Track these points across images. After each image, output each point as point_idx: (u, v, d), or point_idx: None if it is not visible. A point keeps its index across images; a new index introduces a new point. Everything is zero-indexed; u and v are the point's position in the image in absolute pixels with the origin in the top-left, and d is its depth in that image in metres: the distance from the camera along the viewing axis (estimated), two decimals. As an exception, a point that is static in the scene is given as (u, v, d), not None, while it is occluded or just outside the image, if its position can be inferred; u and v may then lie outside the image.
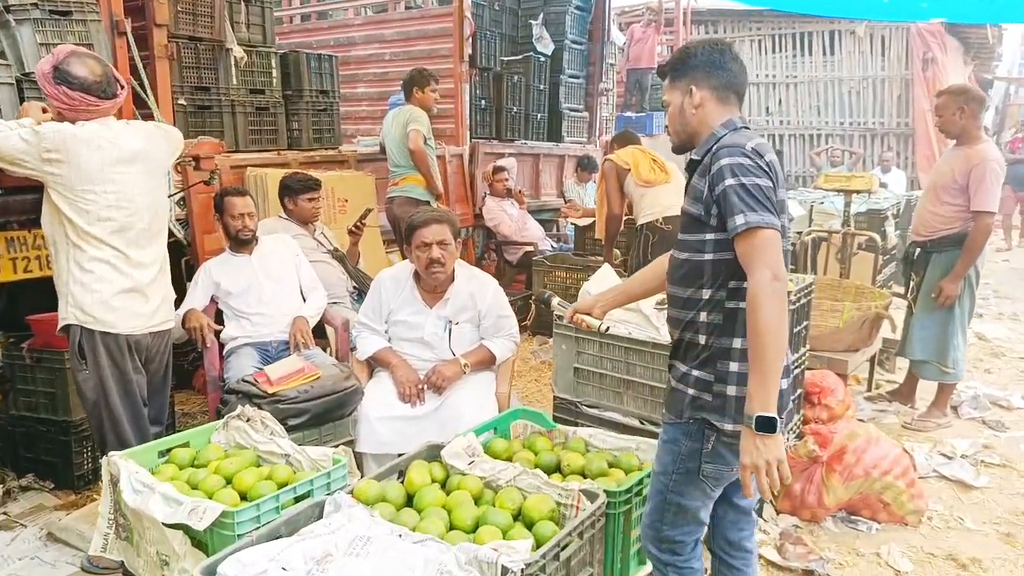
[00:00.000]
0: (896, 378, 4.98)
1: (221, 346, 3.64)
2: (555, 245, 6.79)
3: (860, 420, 3.73)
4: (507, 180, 6.64)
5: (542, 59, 8.40)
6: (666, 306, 2.01)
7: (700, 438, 1.85)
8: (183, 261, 4.50)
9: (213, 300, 3.75)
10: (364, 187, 5.35)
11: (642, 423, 2.74)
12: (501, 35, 7.66)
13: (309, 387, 2.74)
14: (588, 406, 2.86)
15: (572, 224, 7.54)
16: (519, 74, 7.95)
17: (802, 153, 12.97)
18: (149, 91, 3.76)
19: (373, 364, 3.24)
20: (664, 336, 2.67)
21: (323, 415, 2.75)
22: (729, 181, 1.72)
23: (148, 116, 3.67)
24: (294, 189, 4.30)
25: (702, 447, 1.85)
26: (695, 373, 1.85)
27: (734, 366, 1.78)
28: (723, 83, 1.87)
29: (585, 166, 8.02)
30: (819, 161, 11.32)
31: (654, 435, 2.67)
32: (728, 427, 1.79)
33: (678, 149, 2.02)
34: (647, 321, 2.70)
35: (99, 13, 3.52)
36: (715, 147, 1.81)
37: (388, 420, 2.92)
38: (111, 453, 2.37)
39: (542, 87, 8.38)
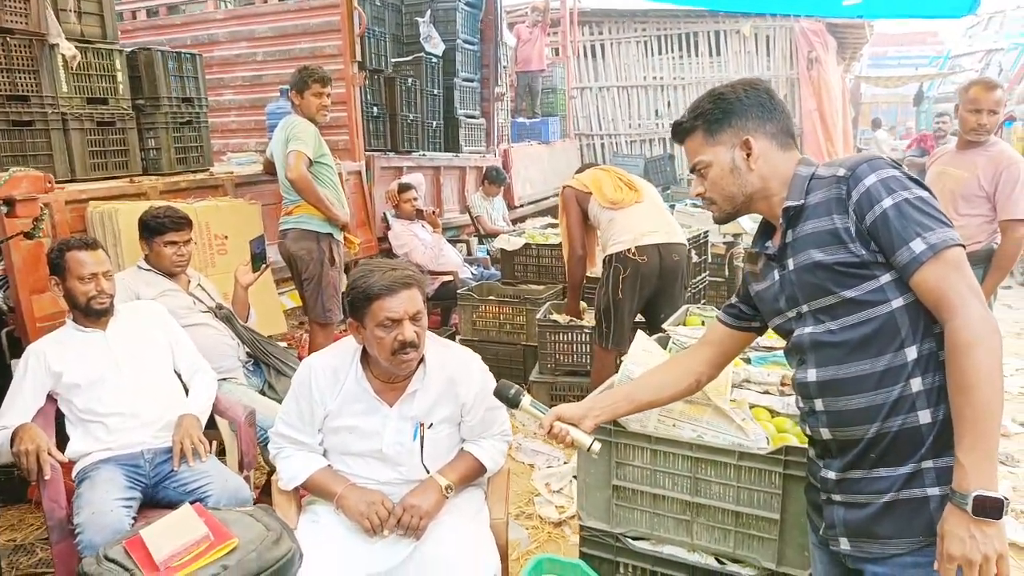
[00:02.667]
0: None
1: (66, 467, 2.51)
2: (475, 272, 5.90)
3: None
4: (416, 199, 5.69)
5: (433, 61, 7.52)
6: (802, 393, 1.54)
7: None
8: (3, 333, 3.30)
9: (51, 398, 2.62)
10: (248, 218, 4.26)
11: (720, 562, 1.92)
12: (385, 33, 6.72)
13: (221, 568, 1.71)
14: (635, 538, 2.01)
15: (489, 245, 6.72)
16: (412, 77, 7.02)
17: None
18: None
19: (305, 494, 2.24)
20: (753, 441, 1.86)
21: (246, 610, 1.73)
22: (888, 201, 1.38)
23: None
24: (150, 229, 3.19)
25: None
26: (932, 464, 1.40)
27: None
28: (781, 128, 1.57)
29: (493, 178, 7.21)
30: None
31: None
32: None
33: (726, 219, 1.66)
34: (724, 418, 1.88)
35: None
36: (828, 176, 1.47)
37: (339, 588, 1.94)
38: None
39: (436, 92, 7.49)
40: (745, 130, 1.56)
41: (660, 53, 12.83)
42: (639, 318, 3.99)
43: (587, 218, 3.91)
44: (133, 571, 1.71)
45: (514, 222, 8.10)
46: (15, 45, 3.48)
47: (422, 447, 2.13)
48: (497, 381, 2.00)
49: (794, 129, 1.63)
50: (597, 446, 1.80)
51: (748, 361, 2.51)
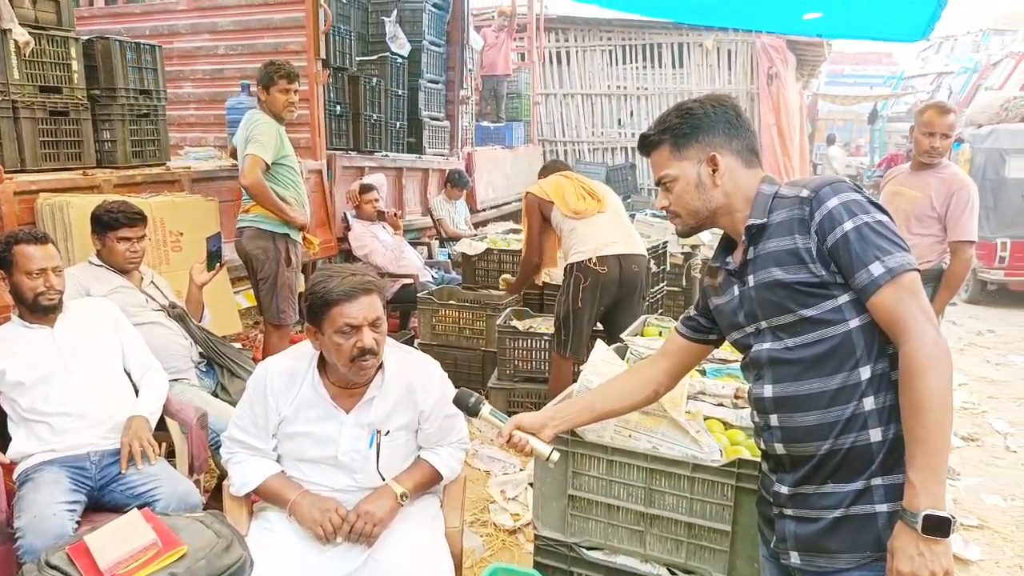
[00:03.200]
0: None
1: (7, 468, 2.43)
2: (436, 276, 5.88)
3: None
4: (377, 201, 5.64)
5: (399, 61, 7.48)
6: (758, 408, 1.57)
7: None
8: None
9: (-8, 396, 2.54)
10: (205, 215, 4.18)
11: (673, 573, 1.94)
12: (349, 31, 6.65)
13: (168, 576, 1.67)
14: (589, 548, 2.02)
15: (450, 249, 6.71)
16: (377, 76, 6.97)
17: (654, 166, 12.89)
18: None
19: (255, 500, 2.20)
20: (707, 453, 1.88)
21: (194, 619, 1.69)
22: (848, 224, 1.41)
23: None
24: (103, 224, 3.11)
25: None
26: (881, 481, 1.43)
27: None
28: (746, 145, 1.59)
29: (456, 182, 7.20)
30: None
31: (702, 597, 1.90)
32: None
33: (689, 232, 1.67)
34: (679, 429, 1.91)
35: None
36: (791, 196, 1.50)
37: (290, 595, 1.91)
38: None
39: (401, 92, 7.45)
40: (712, 146, 1.56)
41: (624, 63, 12.96)
42: (598, 327, 4.02)
43: (550, 224, 3.92)
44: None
45: (476, 226, 8.09)
46: (-36, 30, 3.36)
47: (378, 455, 2.11)
48: (456, 388, 1.99)
49: (758, 147, 1.65)
50: (556, 455, 1.81)
51: (703, 373, 2.55)
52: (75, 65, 3.91)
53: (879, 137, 17.60)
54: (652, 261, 4.69)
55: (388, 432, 2.12)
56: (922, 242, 3.49)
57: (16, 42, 3.49)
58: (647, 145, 1.65)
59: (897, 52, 25.55)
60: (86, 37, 4.16)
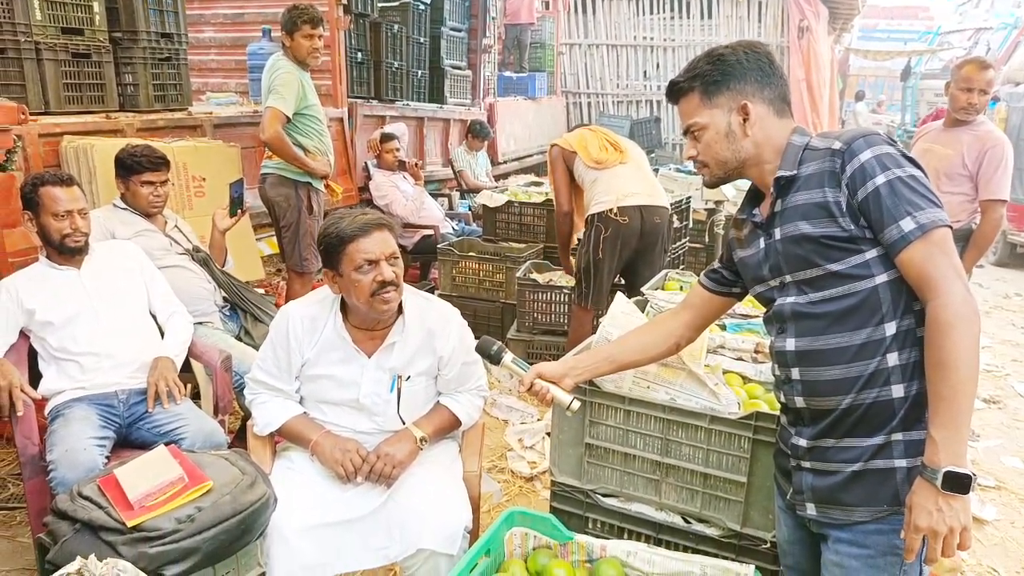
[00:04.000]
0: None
1: (39, 404, 2.49)
2: (456, 227, 5.87)
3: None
4: (398, 150, 5.61)
5: (421, 8, 7.36)
6: (780, 362, 1.55)
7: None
8: (-27, 267, 3.23)
9: (23, 335, 2.59)
10: (227, 160, 4.18)
11: (687, 521, 1.96)
12: (372, -24, 6.54)
13: (195, 510, 1.71)
14: (604, 495, 2.04)
15: (471, 200, 6.68)
16: (398, 23, 6.87)
17: (681, 120, 12.67)
18: None
19: (278, 441, 2.24)
20: (724, 406, 1.89)
21: (218, 552, 1.73)
22: (881, 178, 1.37)
23: None
24: (126, 168, 3.12)
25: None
26: (902, 437, 1.43)
27: None
28: (778, 94, 1.55)
29: (477, 132, 7.13)
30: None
31: (715, 543, 1.92)
32: None
33: (717, 183, 1.64)
34: (697, 382, 1.91)
35: None
36: (823, 148, 1.46)
37: (312, 531, 1.95)
38: None
39: (422, 40, 7.35)
40: (743, 94, 1.52)
41: (652, 13, 12.67)
42: (619, 280, 4.01)
43: (574, 178, 3.89)
44: (107, 509, 1.71)
45: (497, 178, 8.05)
46: (-14, -32, 3.34)
47: (399, 399, 2.14)
48: (476, 337, 2.00)
49: (790, 97, 1.61)
50: (576, 404, 1.83)
51: (724, 328, 2.54)
52: (96, 7, 3.88)
53: (911, 94, 17.11)
54: (675, 216, 4.65)
55: (409, 377, 2.14)
56: (952, 200, 3.42)
57: (37, -18, 3.46)
58: (676, 92, 1.61)
59: (934, 6, 24.76)
60: (108, -22, 4.12)
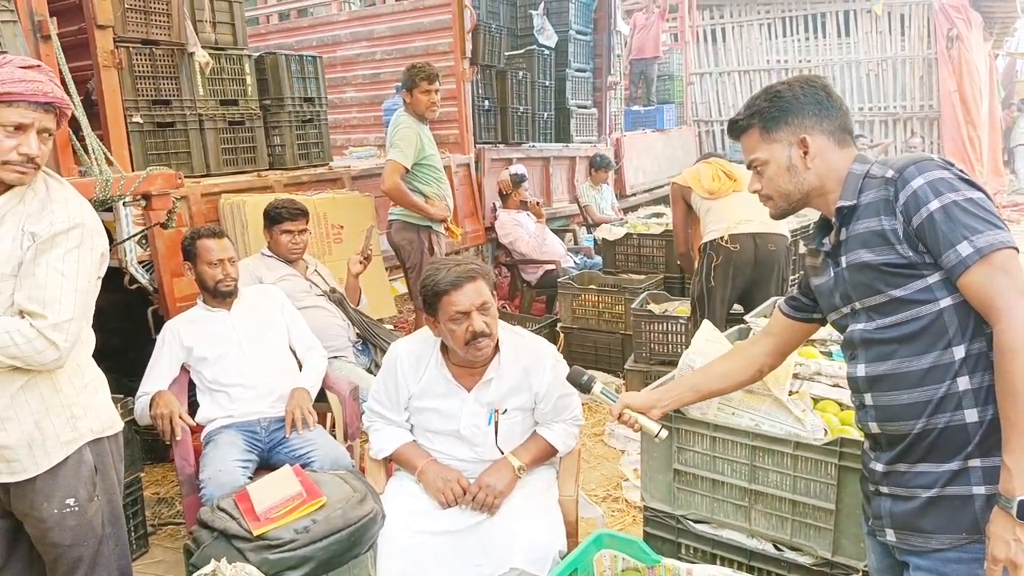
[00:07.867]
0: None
1: (196, 430, 2.86)
2: (578, 261, 6.01)
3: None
4: (526, 190, 5.85)
5: (546, 52, 7.64)
6: (853, 388, 1.58)
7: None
8: (149, 311, 3.73)
9: (184, 369, 2.98)
10: (362, 210, 4.55)
11: (779, 548, 1.97)
12: (499, 28, 6.90)
13: (311, 522, 1.94)
14: (696, 521, 2.08)
15: (593, 235, 6.79)
16: (523, 70, 7.18)
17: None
18: (81, 110, 2.91)
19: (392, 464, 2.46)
20: (810, 432, 1.89)
21: (330, 561, 1.95)
22: (935, 203, 1.37)
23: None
24: (270, 219, 3.51)
25: None
26: (979, 463, 1.41)
27: None
28: (838, 125, 1.58)
29: (599, 165, 7.27)
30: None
31: (807, 572, 1.91)
32: None
33: (783, 215, 1.68)
34: (782, 408, 1.92)
35: (15, 12, 2.70)
36: (879, 176, 1.47)
37: (416, 536, 2.13)
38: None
39: (548, 83, 7.63)
40: (802, 128, 1.56)
41: (784, 35, 12.38)
42: (738, 308, 3.97)
43: (685, 213, 3.95)
44: (239, 519, 1.97)
45: (625, 211, 8.12)
46: (159, 55, 3.89)
47: (496, 431, 2.28)
48: (583, 368, 2.13)
49: (851, 125, 1.63)
50: (664, 434, 1.90)
51: (829, 355, 2.50)
52: (249, 79, 4.39)
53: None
54: (800, 243, 4.53)
55: (505, 411, 2.28)
56: None
57: (199, 63, 3.99)
58: (736, 129, 1.67)
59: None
60: (257, 54, 4.66)
